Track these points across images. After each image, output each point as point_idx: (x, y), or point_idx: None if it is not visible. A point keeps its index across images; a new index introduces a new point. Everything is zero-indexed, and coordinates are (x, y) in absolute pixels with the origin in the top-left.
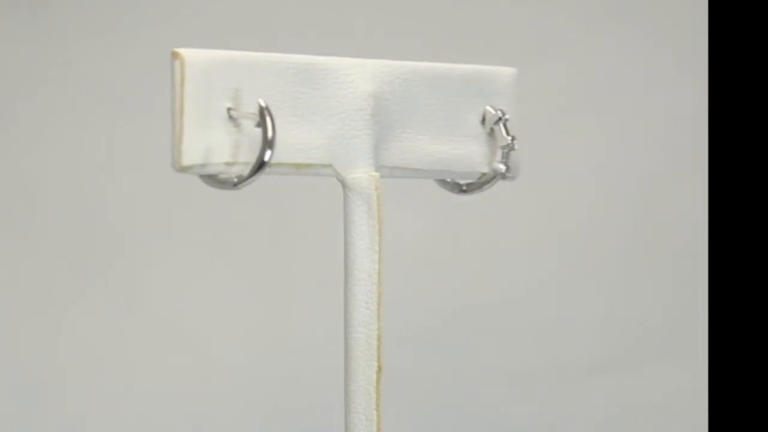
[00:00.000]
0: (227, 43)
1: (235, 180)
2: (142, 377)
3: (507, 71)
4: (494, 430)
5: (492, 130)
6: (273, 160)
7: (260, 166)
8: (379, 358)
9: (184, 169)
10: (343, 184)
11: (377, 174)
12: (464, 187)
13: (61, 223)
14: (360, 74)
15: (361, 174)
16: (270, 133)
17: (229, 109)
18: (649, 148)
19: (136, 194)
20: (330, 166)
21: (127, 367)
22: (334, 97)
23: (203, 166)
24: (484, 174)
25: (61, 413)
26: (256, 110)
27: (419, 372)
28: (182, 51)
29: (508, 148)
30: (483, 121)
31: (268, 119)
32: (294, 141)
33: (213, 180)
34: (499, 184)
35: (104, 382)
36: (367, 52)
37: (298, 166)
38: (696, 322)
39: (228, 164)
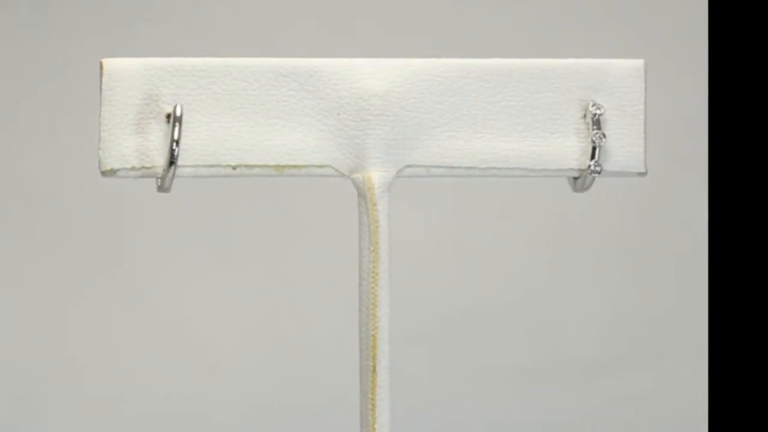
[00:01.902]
0: (226, 43)
1: (159, 182)
2: (142, 377)
3: (620, 64)
4: (495, 429)
5: (589, 125)
6: (250, 162)
7: (170, 164)
8: (373, 358)
9: (106, 173)
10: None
11: (372, 174)
12: (576, 186)
13: (61, 222)
14: (364, 74)
15: (359, 174)
16: (176, 134)
17: (168, 115)
18: (649, 148)
19: (137, 195)
20: (328, 166)
21: (127, 367)
22: (332, 99)
23: (132, 169)
24: (581, 170)
25: (62, 413)
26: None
27: (419, 372)
28: (105, 61)
29: (594, 144)
30: (584, 116)
31: (175, 121)
32: (273, 143)
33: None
34: (496, 183)
35: (105, 382)
36: (367, 52)
37: (279, 167)
38: (696, 322)
39: (151, 168)
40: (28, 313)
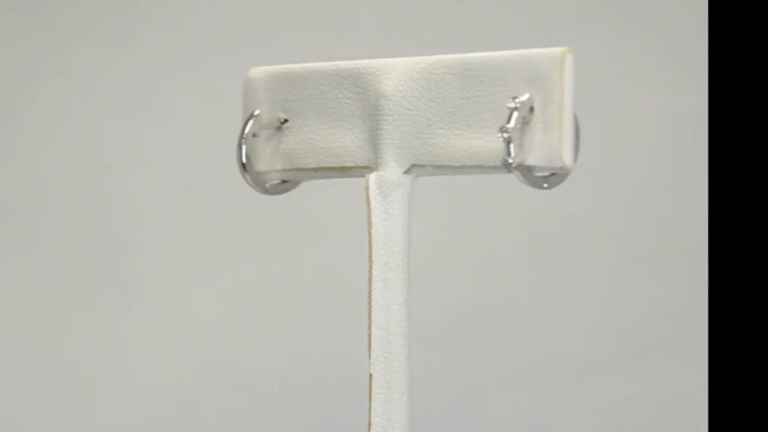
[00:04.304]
0: (226, 46)
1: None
2: (143, 376)
3: (546, 53)
4: (494, 429)
5: (523, 119)
6: (316, 165)
7: (242, 167)
8: (370, 357)
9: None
10: None
11: (370, 174)
12: (545, 183)
13: (61, 222)
14: (377, 75)
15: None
16: (240, 138)
17: (280, 120)
18: (649, 148)
19: (139, 195)
20: (368, 167)
21: (129, 366)
22: (363, 100)
23: (258, 173)
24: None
25: (62, 412)
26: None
27: (417, 372)
28: (252, 69)
29: (505, 139)
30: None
31: (246, 122)
32: (335, 145)
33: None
34: (491, 181)
35: (106, 381)
36: (365, 53)
37: (343, 169)
38: (696, 322)
39: (273, 171)
40: (29, 311)
